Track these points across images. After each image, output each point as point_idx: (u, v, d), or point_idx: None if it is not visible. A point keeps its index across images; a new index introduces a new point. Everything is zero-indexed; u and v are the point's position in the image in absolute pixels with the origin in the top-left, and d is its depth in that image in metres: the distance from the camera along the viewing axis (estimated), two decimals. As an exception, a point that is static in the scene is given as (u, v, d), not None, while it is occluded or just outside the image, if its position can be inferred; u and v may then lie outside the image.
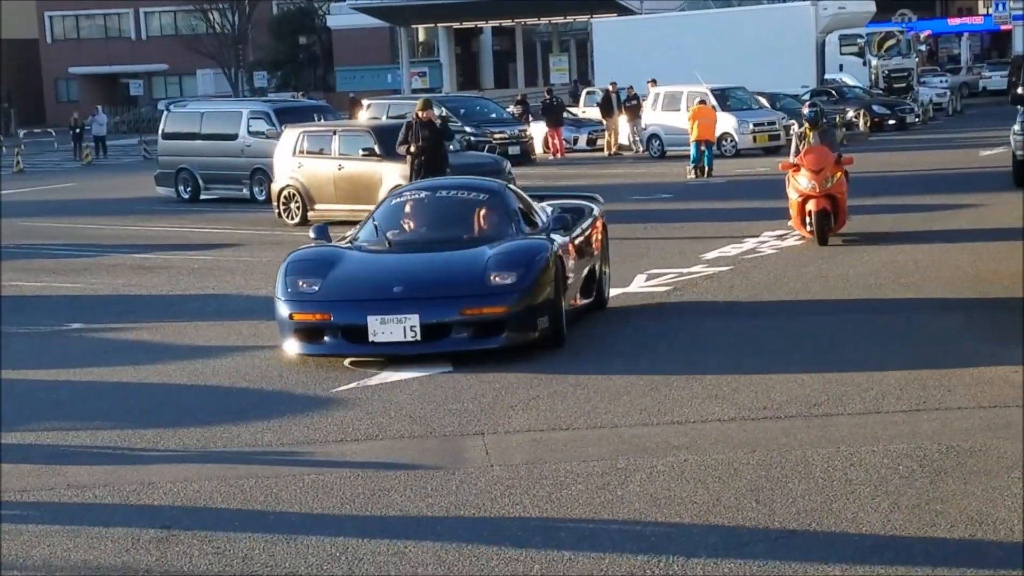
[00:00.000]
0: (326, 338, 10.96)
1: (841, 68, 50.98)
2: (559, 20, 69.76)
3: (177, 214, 26.07)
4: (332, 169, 22.63)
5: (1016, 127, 22.88)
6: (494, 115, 37.61)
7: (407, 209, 12.55)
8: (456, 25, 69.40)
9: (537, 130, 38.54)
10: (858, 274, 14.75)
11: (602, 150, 39.18)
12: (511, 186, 13.51)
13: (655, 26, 51.02)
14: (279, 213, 23.23)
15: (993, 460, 7.69)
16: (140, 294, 16.08)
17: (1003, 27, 67.95)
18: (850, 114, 41.81)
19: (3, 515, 7.46)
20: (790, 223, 17.79)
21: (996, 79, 63.86)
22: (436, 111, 22.44)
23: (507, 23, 70.95)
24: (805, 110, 18.38)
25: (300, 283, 11.19)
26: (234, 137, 27.41)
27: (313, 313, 10.98)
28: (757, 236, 18.21)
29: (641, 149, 37.90)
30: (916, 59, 53.16)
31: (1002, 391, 9.31)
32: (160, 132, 29.69)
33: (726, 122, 34.76)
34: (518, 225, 12.18)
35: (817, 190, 16.80)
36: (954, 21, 76.17)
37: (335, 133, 23.28)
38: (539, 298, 10.99)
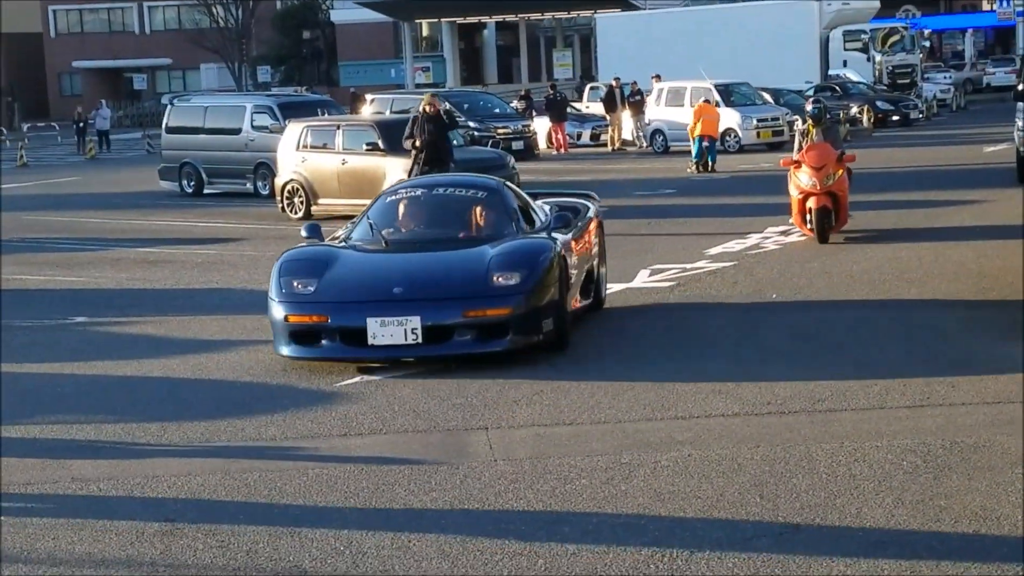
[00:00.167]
0: (323, 341, 10.54)
1: (845, 64, 50.96)
2: (563, 15, 69.69)
3: (181, 208, 26.08)
4: (336, 164, 22.64)
5: (1020, 123, 22.86)
6: (497, 110, 37.60)
7: (403, 207, 12.16)
8: (460, 20, 69.34)
9: (541, 125, 38.52)
10: (862, 270, 14.74)
11: (605, 145, 39.17)
12: (508, 183, 13.10)
13: (659, 21, 51.01)
14: (283, 207, 23.24)
15: (997, 456, 7.69)
16: (144, 288, 16.09)
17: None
18: (854, 110, 41.74)
19: (8, 508, 7.47)
20: (791, 220, 17.75)
21: (1000, 75, 63.76)
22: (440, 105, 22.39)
23: (511, 18, 70.87)
24: (808, 106, 18.20)
25: (295, 283, 10.77)
26: (238, 131, 27.40)
27: (310, 315, 10.57)
28: (761, 232, 18.20)
29: (645, 144, 37.88)
30: (920, 55, 53.10)
31: (1006, 387, 9.31)
32: (164, 126, 29.70)
33: (730, 118, 34.74)
34: (518, 223, 11.85)
35: (818, 187, 16.63)
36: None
37: (339, 128, 23.28)
38: (544, 299, 10.67)
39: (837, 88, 45.01)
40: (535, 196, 13.31)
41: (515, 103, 40.92)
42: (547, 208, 12.68)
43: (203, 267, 17.66)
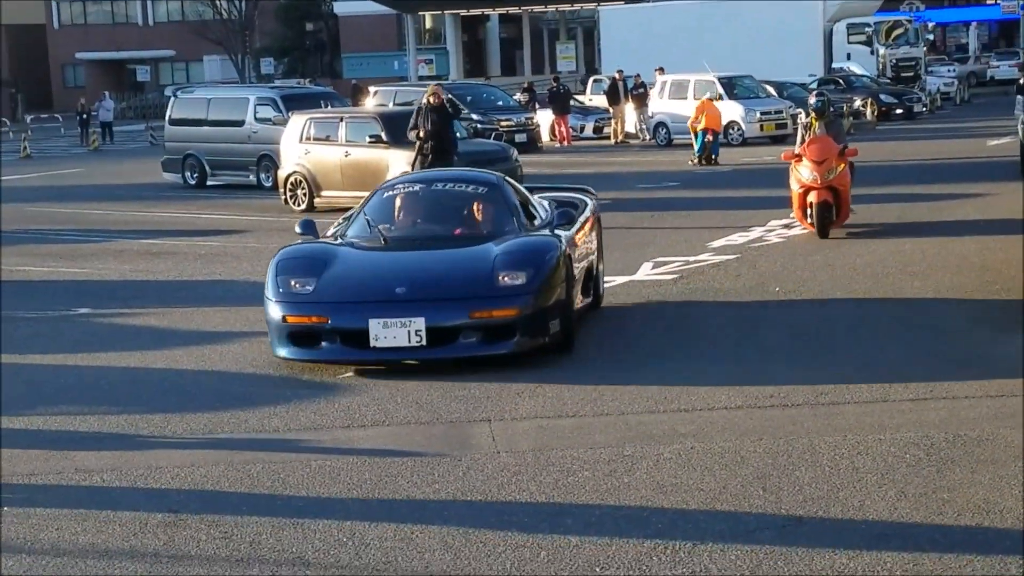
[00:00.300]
0: (323, 343, 10.21)
1: (849, 57, 50.87)
2: (566, 7, 69.59)
3: (184, 200, 26.08)
4: (339, 156, 22.64)
5: (1023, 116, 22.84)
6: (501, 103, 37.56)
7: (401, 203, 11.77)
8: (463, 12, 69.25)
9: (544, 118, 38.49)
10: (865, 263, 14.74)
11: (608, 138, 39.14)
12: (508, 178, 12.63)
13: (662, 14, 50.89)
14: (285, 199, 23.24)
15: (1000, 449, 7.69)
16: (147, 279, 16.10)
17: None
18: (857, 103, 41.71)
19: (11, 498, 7.48)
20: (792, 214, 17.70)
21: (1004, 68, 63.70)
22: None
23: (514, 10, 70.76)
24: (811, 99, 18.08)
25: (293, 283, 10.43)
26: (241, 123, 27.40)
27: (309, 316, 10.24)
28: (764, 225, 18.19)
29: (648, 137, 37.87)
30: (924, 48, 53.06)
31: (1009, 381, 9.31)
32: (167, 118, 29.68)
33: (733, 110, 34.74)
34: (519, 220, 11.51)
35: (819, 182, 16.47)
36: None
37: (342, 120, 23.29)
38: (551, 300, 10.35)
39: (841, 81, 44.96)
40: (531, 191, 13.07)
41: (518, 96, 40.88)
42: (546, 203, 12.42)
43: (206, 259, 17.67)
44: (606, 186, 24.71)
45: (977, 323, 11.43)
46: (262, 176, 26.86)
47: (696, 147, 29.50)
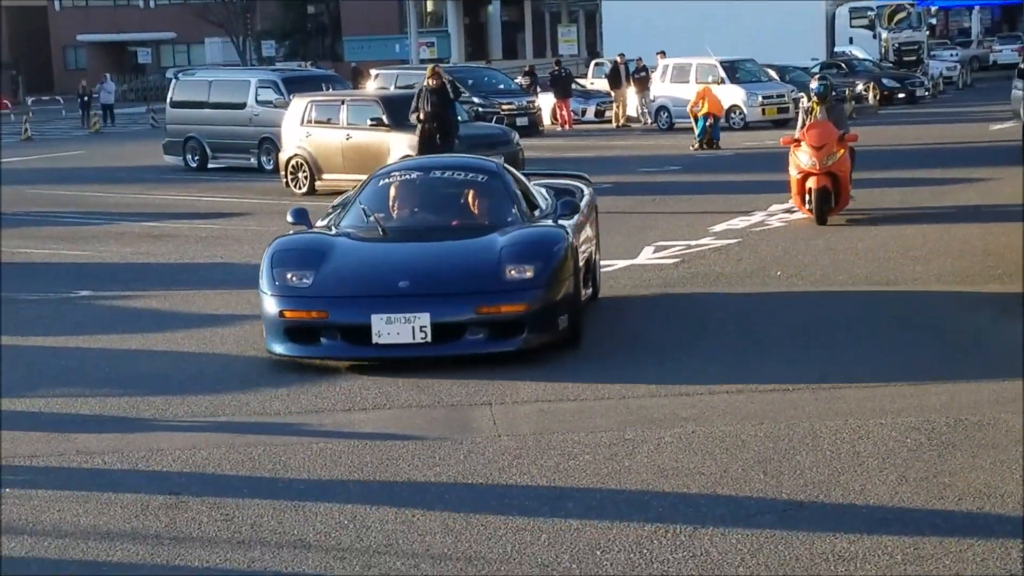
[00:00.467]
0: (322, 339, 9.77)
1: (851, 41, 50.83)
2: (568, -10, 69.54)
3: (185, 183, 26.07)
4: (340, 139, 22.62)
5: (1025, 100, 22.83)
6: (502, 86, 37.52)
7: (398, 191, 11.28)
8: (465, -5, 69.19)
9: (545, 101, 38.46)
10: (866, 248, 14.73)
11: (610, 122, 39.11)
12: (507, 165, 12.20)
13: (665, -2, 50.82)
14: (287, 182, 23.24)
15: (1001, 434, 7.70)
16: (148, 262, 16.10)
17: None
18: (860, 87, 41.68)
19: (12, 480, 7.49)
20: (790, 200, 17.60)
21: (1007, 52, 63.62)
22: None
23: (516, -7, 70.70)
24: (813, 84, 17.82)
25: (289, 276, 9.98)
26: (242, 106, 27.36)
27: (308, 311, 9.80)
28: (765, 209, 18.18)
29: (649, 121, 37.84)
30: (926, 32, 53.00)
31: (1010, 365, 9.31)
32: (168, 100, 29.64)
33: (735, 94, 34.72)
34: (521, 209, 11.09)
35: (817, 167, 16.24)
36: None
37: (343, 103, 23.26)
38: (559, 294, 9.94)
39: (843, 65, 44.93)
40: (527, 178, 12.70)
41: (520, 79, 40.83)
42: (544, 192, 12.11)
43: (207, 241, 17.66)
44: (607, 170, 24.72)
45: (979, 308, 11.42)
46: (263, 159, 26.83)
47: (697, 131, 29.48)
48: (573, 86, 40.71)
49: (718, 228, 16.72)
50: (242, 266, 15.20)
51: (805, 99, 17.77)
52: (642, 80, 38.43)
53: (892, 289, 12.40)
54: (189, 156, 28.52)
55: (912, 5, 53.95)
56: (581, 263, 10.97)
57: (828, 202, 16.48)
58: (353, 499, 7.00)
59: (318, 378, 9.68)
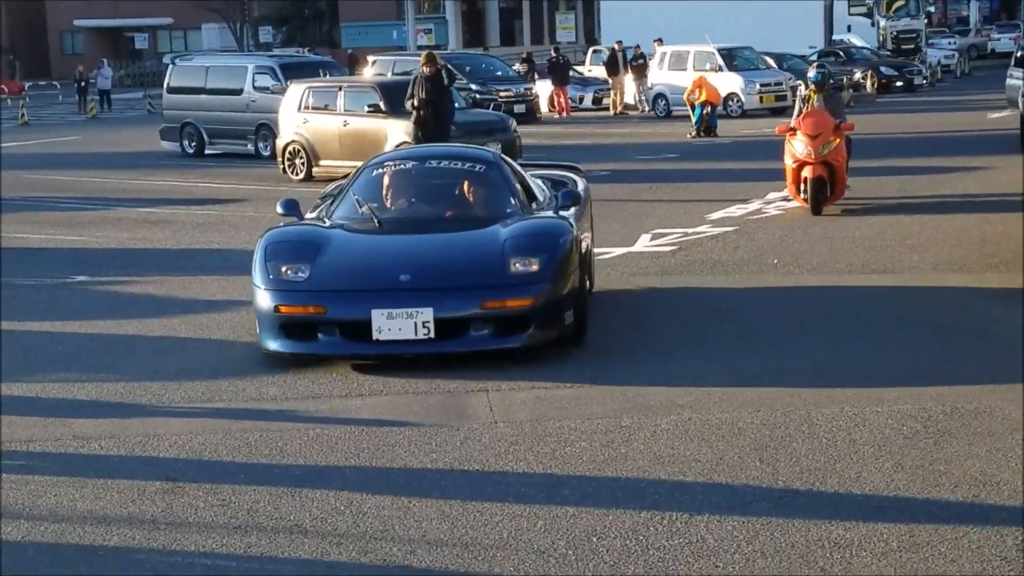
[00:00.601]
0: (320, 335, 9.40)
1: (849, 29, 50.79)
2: (566, -22, 69.43)
3: (182, 168, 26.04)
4: (337, 125, 22.59)
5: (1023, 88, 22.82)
6: (500, 73, 37.48)
7: (392, 181, 10.92)
8: (462, -18, 69.07)
9: (543, 88, 38.42)
10: (863, 236, 14.73)
11: (607, 109, 39.08)
12: (503, 155, 11.91)
13: (662, -16, 50.73)
14: (284, 168, 23.21)
15: (997, 422, 7.71)
16: (145, 248, 16.09)
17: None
18: (857, 75, 41.66)
19: (9, 465, 7.49)
20: (786, 190, 17.50)
21: (1005, 41, 63.59)
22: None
23: (514, -20, 70.58)
24: (811, 72, 17.65)
25: (284, 269, 9.59)
26: (239, 92, 27.32)
27: (304, 306, 9.43)
28: (762, 197, 18.17)
29: (647, 108, 37.81)
30: (925, 20, 52.97)
31: (1007, 353, 9.32)
32: (165, 86, 29.60)
33: (732, 82, 34.70)
34: (520, 200, 10.76)
35: (813, 157, 16.08)
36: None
37: (340, 89, 23.23)
38: (565, 288, 9.59)
39: (841, 53, 44.91)
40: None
41: (517, 66, 40.79)
42: (540, 183, 11.76)
43: (204, 227, 17.65)
44: (604, 158, 24.71)
45: (976, 295, 11.43)
46: (260, 145, 26.79)
47: (694, 119, 29.47)
48: (571, 73, 40.65)
49: (715, 216, 16.72)
50: (239, 252, 15.19)
51: (803, 87, 17.65)
52: (640, 67, 38.39)
53: (889, 285, 12.38)
54: (186, 142, 28.48)
55: (910, -7, 53.92)
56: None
57: (824, 192, 16.32)
58: (349, 485, 7.00)
59: (314, 365, 9.67)
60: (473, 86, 34.41)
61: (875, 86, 41.89)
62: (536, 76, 39.48)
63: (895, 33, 51.45)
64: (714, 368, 9.25)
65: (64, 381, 9.49)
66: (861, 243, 14.27)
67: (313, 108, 23.08)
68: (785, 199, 17.70)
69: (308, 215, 11.08)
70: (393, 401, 8.73)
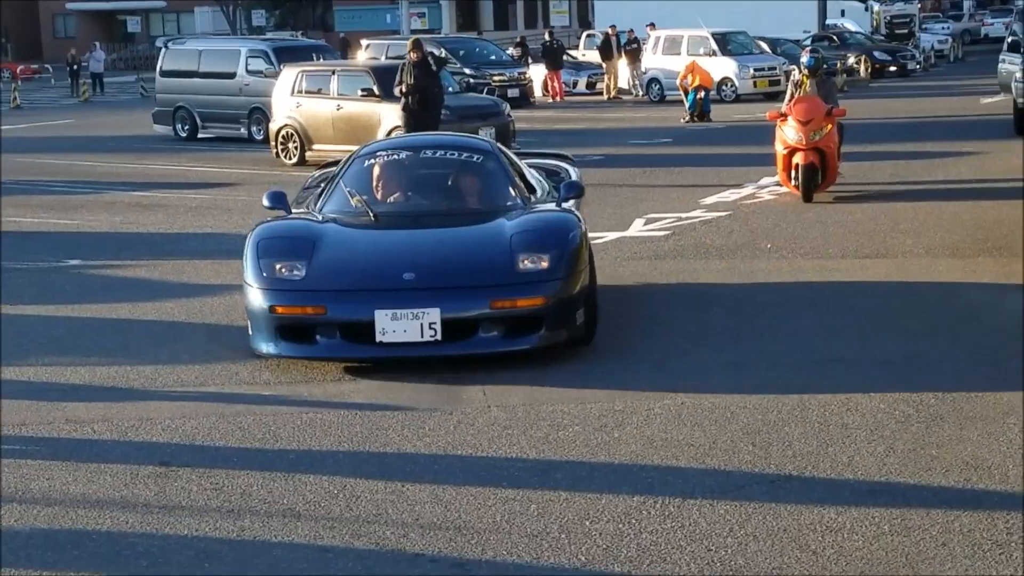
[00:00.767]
0: (319, 337, 8.84)
1: (843, 13, 50.78)
2: (560, -39, 69.26)
3: (174, 152, 26.00)
4: (331, 109, 22.57)
5: (1018, 74, 22.82)
6: (493, 57, 37.46)
7: (385, 172, 10.37)
8: (456, -35, 68.98)
9: (536, 73, 38.39)
10: (856, 220, 14.74)
11: (601, 94, 39.05)
12: (499, 144, 11.43)
13: (656, -32, 50.67)
14: (277, 153, 23.19)
15: (989, 406, 7.72)
16: (138, 231, 16.07)
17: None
18: (851, 60, 41.65)
19: (3, 449, 7.49)
20: (772, 180, 17.32)
21: (998, 26, 63.56)
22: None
23: (507, -36, 70.50)
24: (804, 57, 17.42)
25: (279, 267, 9.04)
26: (232, 76, 27.27)
27: (303, 306, 8.88)
28: (756, 182, 18.17)
29: (641, 93, 37.78)
30: (918, 5, 52.95)
31: (1001, 337, 9.34)
32: (158, 70, 29.53)
33: (726, 67, 34.69)
34: (520, 192, 10.27)
35: (804, 143, 15.83)
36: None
37: (334, 73, 23.21)
38: (576, 286, 9.09)
39: (835, 38, 44.91)
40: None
41: (511, 50, 40.75)
42: (535, 172, 11.28)
43: (197, 211, 17.64)
44: (598, 142, 24.71)
45: (968, 279, 11.44)
46: (253, 129, 26.75)
47: (688, 104, 29.46)
48: (564, 58, 40.62)
49: (709, 201, 16.72)
50: (232, 236, 15.17)
51: (796, 72, 17.52)
52: (633, 52, 38.36)
53: (883, 270, 12.39)
54: (179, 125, 28.43)
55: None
56: None
57: (815, 179, 16.08)
58: (343, 469, 7.01)
59: (308, 348, 9.66)
60: (467, 70, 34.39)
61: (869, 71, 41.88)
62: (530, 60, 39.44)
63: (889, 18, 51.44)
64: (707, 353, 9.26)
65: (57, 365, 9.48)
66: (854, 228, 14.28)
67: (306, 92, 23.05)
68: (778, 184, 17.69)
69: (296, 208, 10.57)
70: (386, 385, 8.72)
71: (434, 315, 8.70)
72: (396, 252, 9.34)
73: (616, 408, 7.95)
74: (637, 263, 12.75)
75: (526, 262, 9.02)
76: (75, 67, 50.78)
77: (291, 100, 23.07)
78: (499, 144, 11.61)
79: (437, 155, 10.69)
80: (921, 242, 13.29)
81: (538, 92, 38.02)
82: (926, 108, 30.10)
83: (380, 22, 67.75)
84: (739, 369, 8.79)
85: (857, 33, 47.29)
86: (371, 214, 9.87)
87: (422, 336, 8.71)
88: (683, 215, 15.58)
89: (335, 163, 12.38)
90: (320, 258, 9.15)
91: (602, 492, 6.53)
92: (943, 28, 60.23)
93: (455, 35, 55.10)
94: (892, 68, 43.10)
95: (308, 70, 23.68)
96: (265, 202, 10.38)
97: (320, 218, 9.94)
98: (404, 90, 19.22)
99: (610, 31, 39.10)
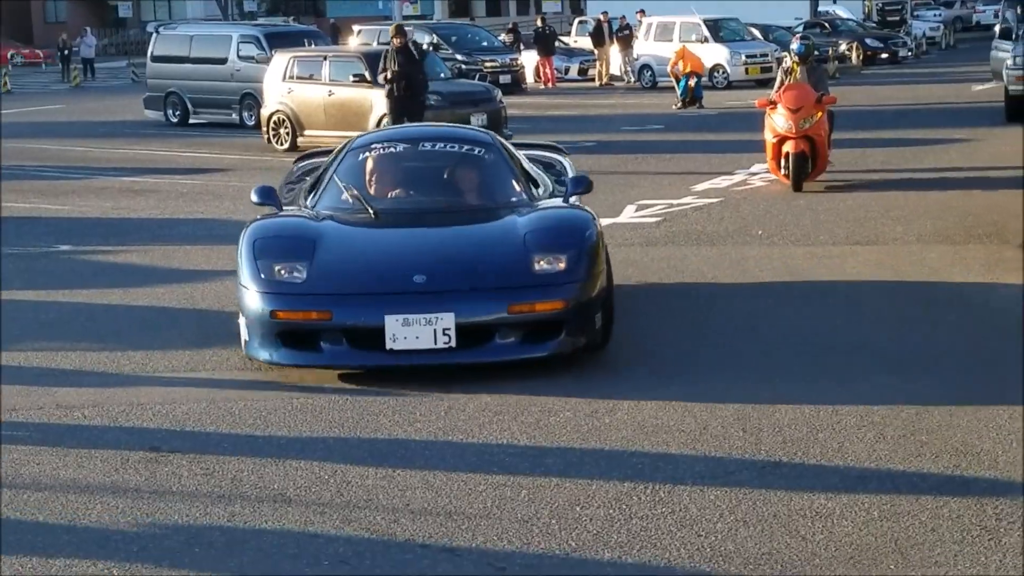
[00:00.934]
0: (323, 344, 8.32)
1: (835, 0, 50.73)
2: (552, -52, 69.15)
3: (166, 138, 25.95)
4: (322, 95, 22.54)
5: (1009, 61, 22.84)
6: (485, 43, 37.41)
7: (382, 166, 9.80)
8: (448, -49, 68.86)
9: (528, 59, 38.36)
10: (847, 207, 14.75)
11: (593, 80, 39.02)
12: (498, 136, 10.87)
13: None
14: (268, 138, 23.15)
15: (978, 393, 7.73)
16: (129, 217, 16.05)
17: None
18: (843, 47, 41.65)
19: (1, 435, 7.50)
20: (764, 167, 17.15)
21: (989, 14, 63.58)
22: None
23: (500, -50, 70.40)
24: (794, 43, 17.22)
25: (278, 269, 8.48)
26: (223, 61, 27.22)
27: (307, 311, 8.34)
28: (747, 168, 18.18)
29: (632, 79, 37.77)
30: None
31: (990, 324, 9.36)
32: (149, 55, 29.48)
33: (718, 53, 34.68)
34: (525, 187, 9.77)
35: (794, 131, 15.64)
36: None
37: (326, 59, 23.16)
38: (595, 288, 8.55)
39: (826, 25, 44.93)
40: None
41: (503, 36, 40.70)
42: (532, 165, 10.73)
43: (188, 197, 17.61)
44: (590, 128, 24.71)
45: (958, 265, 11.46)
46: (245, 114, 26.71)
47: (679, 91, 29.45)
48: (556, 44, 40.59)
49: (700, 187, 16.73)
50: (223, 222, 15.17)
51: (787, 59, 17.43)
52: (625, 38, 38.34)
53: (873, 256, 12.40)
54: (170, 111, 28.38)
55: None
56: None
57: (805, 167, 15.87)
58: (333, 455, 7.01)
59: (299, 334, 9.65)
60: (458, 56, 34.34)
61: (860, 58, 41.89)
62: (522, 46, 39.41)
63: (880, 5, 51.47)
64: (697, 339, 9.27)
65: (47, 350, 9.46)
66: (845, 215, 14.29)
67: (298, 78, 23.02)
68: (769, 171, 17.69)
69: (288, 206, 9.94)
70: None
71: (448, 320, 8.16)
72: (403, 252, 8.78)
73: (606, 394, 7.95)
74: (628, 249, 12.74)
75: (542, 263, 8.49)
76: (66, 52, 50.64)
77: (283, 86, 23.03)
78: (498, 136, 10.98)
79: (436, 147, 10.10)
80: (911, 229, 13.30)
81: (530, 78, 37.99)
82: (917, 95, 30.12)
83: (372, 8, 67.60)
84: (729, 355, 8.79)
85: (849, 20, 47.30)
86: (371, 211, 9.28)
87: (435, 343, 8.17)
88: (674, 202, 15.58)
89: (316, 154, 12.14)
90: (322, 259, 8.57)
91: (593, 478, 6.54)
92: (935, 15, 60.25)
93: (447, 21, 55.03)
94: (884, 55, 43.12)
95: (300, 56, 23.64)
96: (254, 198, 9.82)
97: (315, 215, 9.38)
98: (389, 77, 19.24)
99: (602, 17, 39.08)
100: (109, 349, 9.42)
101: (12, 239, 14.38)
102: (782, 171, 16.21)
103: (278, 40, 26.46)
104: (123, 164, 21.78)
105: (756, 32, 37.62)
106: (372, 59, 22.35)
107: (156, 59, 28.80)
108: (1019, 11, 25.47)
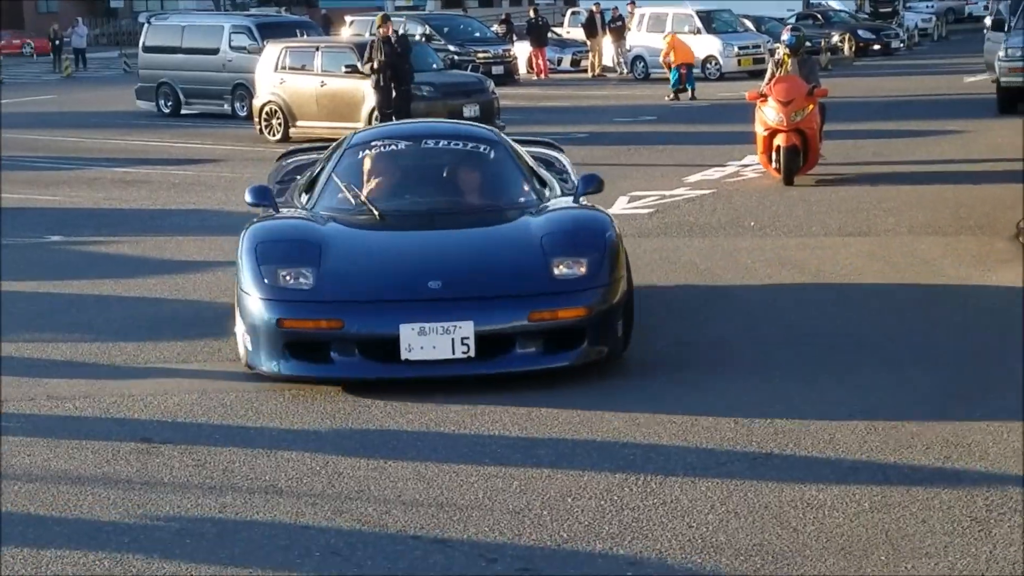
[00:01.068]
0: (335, 355, 7.90)
1: (827, -8, 50.69)
2: (545, -62, 69.05)
3: (157, 128, 25.90)
4: (314, 86, 22.52)
5: (1001, 52, 22.86)
6: (478, 34, 37.36)
7: (383, 166, 9.36)
8: (441, -58, 68.68)
9: (521, 50, 38.32)
10: (840, 199, 14.76)
11: (586, 71, 39.00)
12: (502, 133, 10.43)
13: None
14: (260, 129, 23.14)
15: (969, 384, 7.75)
16: (121, 208, 16.02)
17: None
18: (835, 38, 41.65)
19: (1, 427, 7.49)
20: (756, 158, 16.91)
21: (981, 5, 63.62)
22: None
23: (492, -59, 70.27)
24: (785, 35, 16.96)
25: (284, 275, 8.04)
26: (215, 52, 27.18)
27: (316, 319, 7.89)
28: (740, 160, 18.17)
29: (625, 71, 37.75)
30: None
31: (981, 315, 9.38)
32: (141, 45, 29.42)
33: (711, 45, 34.66)
34: (533, 187, 9.34)
35: (785, 124, 15.45)
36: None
37: (318, 49, 23.14)
38: (618, 294, 8.18)
39: (819, 16, 44.90)
40: None
41: (496, 27, 40.65)
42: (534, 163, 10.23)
43: (180, 188, 17.58)
44: (583, 120, 24.70)
45: (950, 257, 11.47)
46: (237, 105, 26.68)
47: (672, 82, 29.44)
48: (549, 35, 40.56)
49: (693, 179, 16.73)
50: (215, 213, 15.17)
51: (779, 50, 17.34)
52: (618, 29, 38.32)
53: (865, 248, 12.41)
54: (162, 102, 28.34)
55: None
56: None
57: (796, 161, 15.66)
58: (325, 446, 7.01)
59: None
60: (451, 47, 34.31)
61: (852, 49, 41.90)
62: (514, 37, 39.36)
63: (873, -4, 51.43)
64: (688, 331, 9.27)
65: (38, 341, 9.45)
66: (837, 206, 14.29)
67: (290, 68, 23.01)
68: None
69: (283, 208, 9.44)
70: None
71: (467, 329, 7.76)
72: (416, 257, 8.34)
73: (597, 385, 7.95)
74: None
75: (561, 267, 8.10)
76: (58, 42, 50.52)
77: (275, 76, 23.01)
78: (502, 133, 10.58)
79: (440, 145, 9.61)
80: (903, 220, 13.31)
81: (523, 69, 37.96)
82: (910, 87, 30.14)
83: (364, -1, 67.42)
84: (720, 347, 8.80)
85: (841, 11, 47.29)
86: (376, 213, 8.84)
87: (453, 353, 7.77)
88: (667, 193, 15.59)
89: (302, 149, 11.94)
90: (330, 264, 8.12)
91: (584, 469, 6.54)
92: (927, 7, 60.20)
93: (440, 12, 54.94)
94: (876, 47, 43.13)
95: (292, 46, 23.62)
96: (248, 198, 9.31)
97: (316, 217, 8.93)
98: (375, 67, 19.25)
99: (594, 8, 39.03)
100: (100, 340, 9.41)
101: (4, 230, 14.34)
102: (773, 165, 16.02)
103: (270, 30, 26.42)
104: (115, 155, 21.74)
105: (749, 23, 37.61)
106: (364, 50, 22.33)
107: (148, 49, 28.75)
108: (1011, 2, 25.47)
